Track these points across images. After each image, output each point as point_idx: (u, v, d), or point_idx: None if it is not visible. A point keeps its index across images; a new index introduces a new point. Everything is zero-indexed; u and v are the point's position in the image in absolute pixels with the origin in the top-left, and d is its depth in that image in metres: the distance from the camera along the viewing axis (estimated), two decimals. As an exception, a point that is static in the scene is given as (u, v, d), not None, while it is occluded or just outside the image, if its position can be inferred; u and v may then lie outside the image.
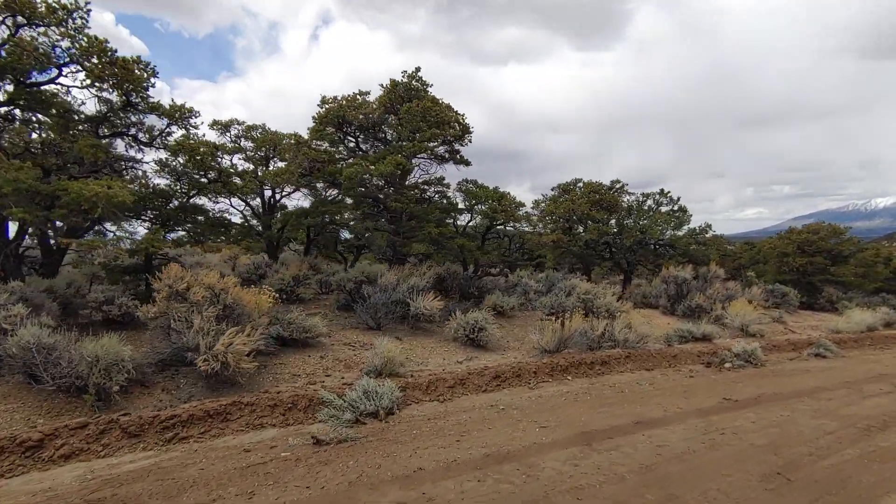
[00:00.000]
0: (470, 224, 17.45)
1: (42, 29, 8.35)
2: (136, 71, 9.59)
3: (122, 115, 10.53)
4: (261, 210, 17.74)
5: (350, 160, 13.76)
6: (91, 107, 10.23)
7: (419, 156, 14.69)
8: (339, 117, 13.35)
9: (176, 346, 7.52)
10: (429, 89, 14.05)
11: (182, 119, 10.63)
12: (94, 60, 8.66)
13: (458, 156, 15.42)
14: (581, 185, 23.37)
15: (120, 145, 11.61)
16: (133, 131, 10.93)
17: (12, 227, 10.02)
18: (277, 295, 13.39)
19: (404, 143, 12.93)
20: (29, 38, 8.56)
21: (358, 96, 13.83)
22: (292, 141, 13.75)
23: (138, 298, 9.59)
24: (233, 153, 16.76)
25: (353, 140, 14.70)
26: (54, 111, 9.20)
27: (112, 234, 9.03)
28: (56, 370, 6.31)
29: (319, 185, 16.26)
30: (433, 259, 18.36)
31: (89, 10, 8.75)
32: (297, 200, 18.37)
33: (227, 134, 17.52)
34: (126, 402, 6.68)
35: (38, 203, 8.55)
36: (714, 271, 17.67)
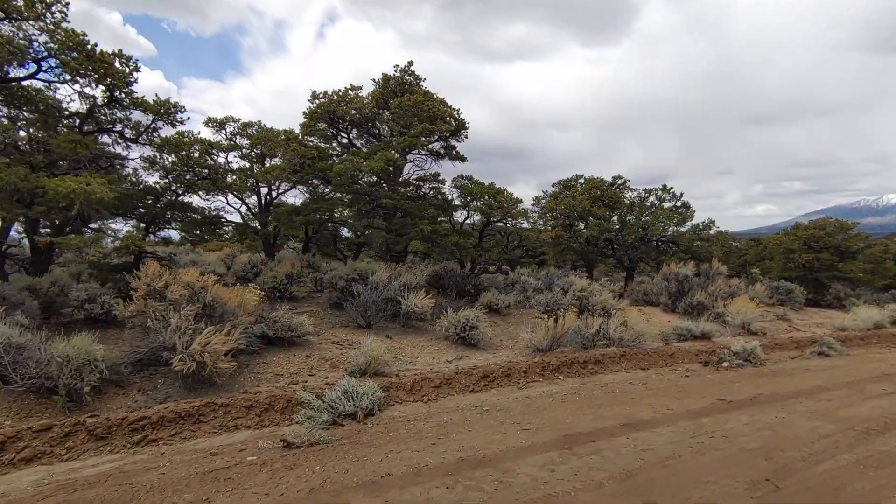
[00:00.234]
0: (467, 221, 17.21)
1: (19, 23, 8.18)
2: (118, 65, 9.43)
3: (106, 110, 10.37)
4: (257, 208, 17.64)
5: (344, 156, 13.55)
6: (77, 103, 10.09)
7: (414, 151, 14.49)
8: (329, 113, 13.14)
9: (153, 346, 7.36)
10: (422, 84, 13.82)
11: (167, 114, 10.45)
12: (73, 54, 8.49)
13: (453, 151, 15.17)
14: (582, 181, 23.06)
15: (114, 143, 11.56)
16: (119, 127, 10.78)
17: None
18: (270, 293, 13.27)
19: (395, 139, 12.71)
20: (7, 33, 8.41)
21: (350, 91, 13.61)
22: (282, 137, 13.55)
23: (123, 297, 9.45)
24: (228, 151, 16.66)
25: (346, 136, 14.48)
26: (36, 107, 9.04)
27: (90, 233, 8.85)
28: (25, 370, 6.16)
29: (315, 182, 16.11)
30: (432, 256, 18.16)
31: (68, 3, 8.58)
32: (295, 198, 18.21)
33: (223, 131, 17.44)
34: (99, 403, 6.52)
35: (19, 201, 8.42)
36: (716, 268, 17.31)
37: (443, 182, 15.16)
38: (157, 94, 10.36)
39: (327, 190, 14.56)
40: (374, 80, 13.58)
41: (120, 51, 9.53)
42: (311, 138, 13.84)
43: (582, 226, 22.35)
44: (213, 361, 6.99)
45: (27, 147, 10.01)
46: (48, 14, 8.60)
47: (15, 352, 6.26)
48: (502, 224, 19.78)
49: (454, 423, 6.34)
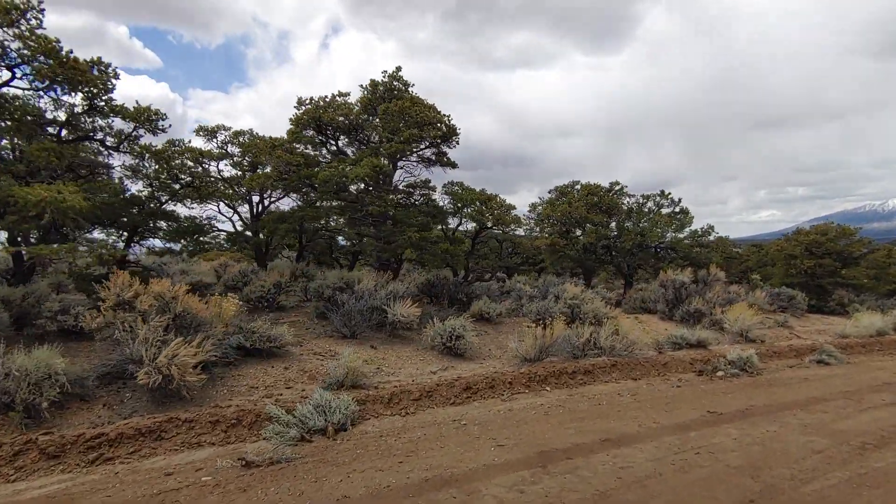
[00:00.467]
0: (460, 228, 16.97)
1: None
2: (97, 72, 9.29)
3: (87, 118, 10.23)
4: (249, 217, 17.48)
5: (330, 163, 13.37)
6: (56, 111, 9.95)
7: (405, 158, 14.29)
8: (315, 119, 12.97)
9: (121, 359, 7.13)
10: (411, 89, 13.64)
11: (149, 122, 10.29)
12: (48, 60, 8.35)
13: (444, 158, 14.97)
14: (578, 187, 22.78)
15: (96, 151, 11.41)
16: (100, 135, 10.63)
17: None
18: (257, 303, 13.04)
19: (383, 145, 12.51)
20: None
21: (337, 97, 13.45)
22: (269, 144, 13.40)
23: (97, 308, 9.24)
24: (219, 159, 16.52)
25: (335, 143, 14.31)
26: (11, 116, 8.89)
27: (57, 244, 8.65)
28: (-19, 385, 5.94)
29: (307, 190, 15.94)
30: (426, 265, 17.91)
31: (43, 10, 8.46)
32: (288, 207, 18.06)
33: (214, 140, 17.32)
34: (60, 418, 6.27)
35: (-9, 210, 8.25)
36: (714, 274, 16.97)
37: (433, 189, 14.95)
38: (137, 102, 10.18)
39: (313, 197, 14.37)
40: (361, 85, 13.44)
41: (99, 58, 9.40)
42: (299, 145, 13.65)
43: (579, 233, 22.05)
44: (181, 374, 6.75)
45: (9, 156, 9.89)
46: (23, 21, 8.47)
47: (-29, 366, 6.04)
48: (500, 231, 19.53)
49: (427, 439, 6.06)
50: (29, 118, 8.87)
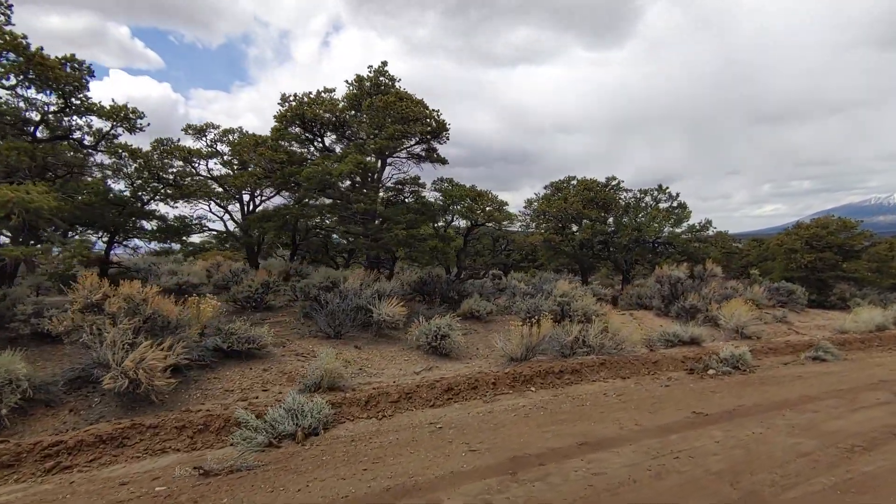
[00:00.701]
0: (452, 225, 16.73)
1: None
2: (70, 69, 9.10)
3: (63, 117, 10.05)
4: (240, 215, 17.29)
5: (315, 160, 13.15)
6: (29, 110, 9.76)
7: (393, 154, 14.06)
8: (299, 116, 12.74)
9: (88, 363, 6.96)
10: (398, 84, 13.40)
11: (126, 120, 10.10)
12: (16, 57, 8.16)
13: (434, 154, 14.72)
14: (574, 182, 22.52)
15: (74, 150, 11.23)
16: (78, 135, 10.44)
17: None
18: (244, 303, 12.86)
19: (369, 141, 12.28)
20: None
21: (322, 93, 13.21)
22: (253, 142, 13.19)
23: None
24: (209, 158, 16.32)
25: (321, 140, 14.08)
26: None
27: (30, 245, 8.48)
28: (-62, 392, 5.77)
29: (294, 188, 15.74)
30: (418, 262, 17.69)
31: (10, 6, 8.26)
32: (280, 205, 17.86)
33: (204, 139, 17.12)
34: (23, 425, 6.11)
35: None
36: (710, 269, 16.69)
37: (423, 186, 14.71)
38: (113, 100, 9.99)
39: (301, 195, 14.16)
40: (347, 81, 13.20)
41: (72, 55, 9.23)
42: (285, 143, 13.44)
43: (575, 228, 21.80)
44: (149, 379, 6.57)
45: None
46: (-10, 18, 8.29)
47: (-72, 372, 5.88)
48: (497, 228, 19.27)
49: (399, 444, 5.85)
50: (8, 118, 8.68)
